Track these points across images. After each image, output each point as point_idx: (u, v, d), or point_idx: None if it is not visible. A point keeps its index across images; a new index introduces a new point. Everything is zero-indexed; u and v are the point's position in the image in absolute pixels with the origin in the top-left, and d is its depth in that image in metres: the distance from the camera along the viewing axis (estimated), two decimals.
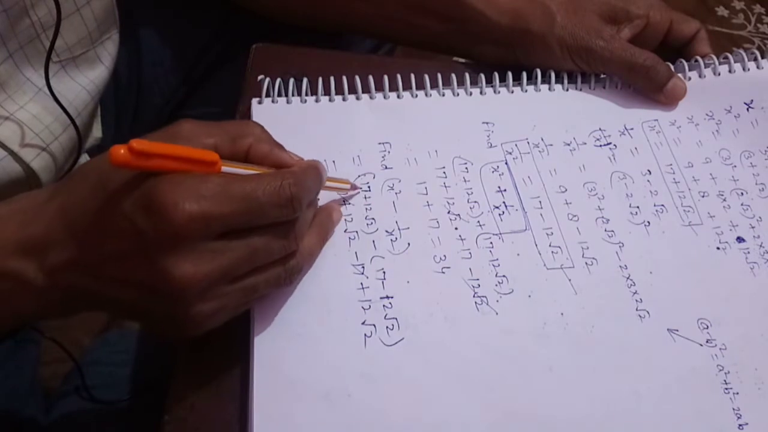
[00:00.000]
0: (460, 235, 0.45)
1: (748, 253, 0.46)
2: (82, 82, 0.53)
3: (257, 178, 0.35)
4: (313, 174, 0.39)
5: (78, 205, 0.34)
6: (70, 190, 0.36)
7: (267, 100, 0.50)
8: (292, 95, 0.51)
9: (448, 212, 0.46)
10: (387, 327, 0.42)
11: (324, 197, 0.45)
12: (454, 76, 0.52)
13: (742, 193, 0.49)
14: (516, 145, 0.50)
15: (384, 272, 0.44)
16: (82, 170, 0.36)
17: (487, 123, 0.51)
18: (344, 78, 0.51)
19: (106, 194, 0.33)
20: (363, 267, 0.44)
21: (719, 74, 0.53)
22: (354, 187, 0.46)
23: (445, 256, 0.44)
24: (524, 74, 0.53)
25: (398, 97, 0.51)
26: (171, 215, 0.32)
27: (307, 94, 0.51)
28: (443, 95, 0.52)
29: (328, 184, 0.43)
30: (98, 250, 0.34)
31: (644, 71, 0.51)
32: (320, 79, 0.51)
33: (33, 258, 0.35)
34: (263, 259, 0.36)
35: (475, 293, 0.43)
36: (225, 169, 0.35)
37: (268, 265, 0.37)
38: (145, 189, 0.33)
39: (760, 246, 0.46)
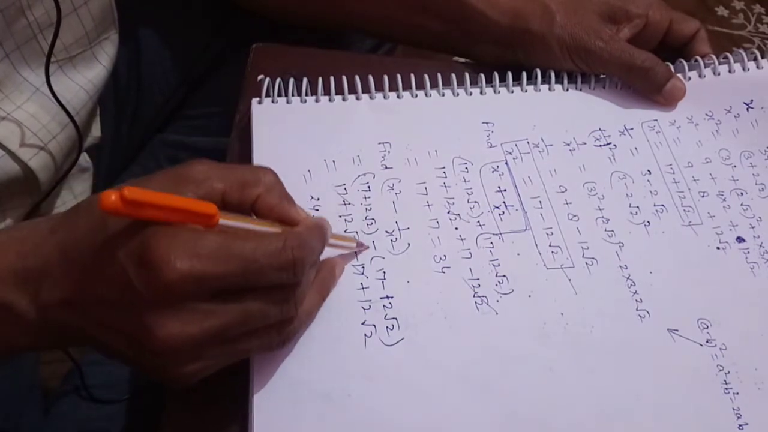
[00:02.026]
0: (460, 235, 0.45)
1: (748, 253, 0.46)
2: (80, 82, 0.53)
3: (258, 238, 0.34)
4: (318, 234, 0.38)
5: (77, 243, 0.33)
6: (72, 226, 0.34)
7: (267, 100, 0.50)
8: (292, 95, 0.51)
9: (448, 212, 0.46)
10: (387, 327, 0.42)
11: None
12: (454, 76, 0.52)
13: (742, 193, 0.49)
14: (516, 145, 0.50)
15: (384, 272, 0.44)
16: (87, 205, 0.35)
17: (487, 123, 0.51)
18: (344, 78, 0.51)
19: (104, 237, 0.32)
20: (363, 267, 0.44)
21: (719, 74, 0.53)
22: (360, 245, 0.44)
23: (445, 256, 0.44)
24: (524, 74, 0.53)
25: (398, 97, 0.51)
26: (162, 272, 0.31)
27: (307, 94, 0.51)
28: (443, 95, 0.52)
29: (332, 242, 0.41)
30: (90, 293, 0.33)
31: (643, 72, 0.51)
32: (320, 79, 0.51)
33: (27, 291, 0.34)
34: (257, 324, 0.35)
35: (475, 293, 0.43)
36: (223, 222, 0.33)
37: (262, 329, 0.35)
38: (141, 239, 0.31)
39: (760, 246, 0.46)
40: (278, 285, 0.34)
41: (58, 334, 0.35)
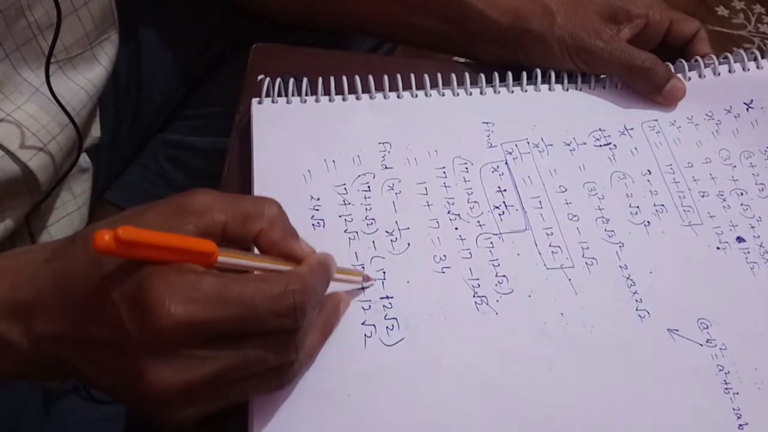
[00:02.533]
0: (460, 235, 0.45)
1: (748, 253, 0.46)
2: (80, 83, 0.53)
3: (258, 281, 0.32)
4: (322, 274, 0.36)
5: (72, 278, 0.32)
6: (68, 258, 0.33)
7: (267, 100, 0.50)
8: (292, 95, 0.51)
9: (448, 212, 0.46)
10: (387, 327, 0.42)
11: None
12: (454, 76, 0.52)
13: (741, 193, 0.49)
14: (516, 145, 0.50)
15: (384, 272, 0.44)
16: (83, 237, 0.33)
17: (487, 123, 0.51)
18: (344, 78, 0.51)
19: (99, 275, 0.31)
20: (363, 267, 0.44)
21: (719, 74, 0.53)
22: (367, 278, 0.42)
23: (445, 256, 0.44)
24: (524, 74, 0.53)
25: (398, 96, 0.51)
26: (156, 317, 0.30)
27: (307, 94, 0.51)
28: (443, 95, 0.52)
29: (338, 276, 0.39)
30: (84, 331, 0.32)
31: (643, 73, 0.51)
32: (320, 79, 0.51)
33: (19, 322, 0.33)
34: (255, 369, 0.34)
35: (475, 293, 0.43)
36: (222, 259, 0.32)
37: (260, 373, 0.34)
38: (136, 281, 0.30)
39: (760, 246, 0.46)
40: (278, 330, 0.33)
41: (51, 367, 0.34)
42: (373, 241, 0.45)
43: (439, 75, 0.52)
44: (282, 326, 0.33)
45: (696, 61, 0.54)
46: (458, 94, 0.52)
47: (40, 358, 0.34)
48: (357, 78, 0.51)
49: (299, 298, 0.32)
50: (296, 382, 0.39)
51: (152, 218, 0.33)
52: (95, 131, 0.60)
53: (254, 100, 0.50)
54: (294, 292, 0.32)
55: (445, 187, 0.48)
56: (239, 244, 0.35)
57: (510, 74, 0.53)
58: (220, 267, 0.33)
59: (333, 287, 0.39)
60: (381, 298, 0.43)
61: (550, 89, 0.53)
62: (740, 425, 0.40)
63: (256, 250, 0.36)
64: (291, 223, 0.37)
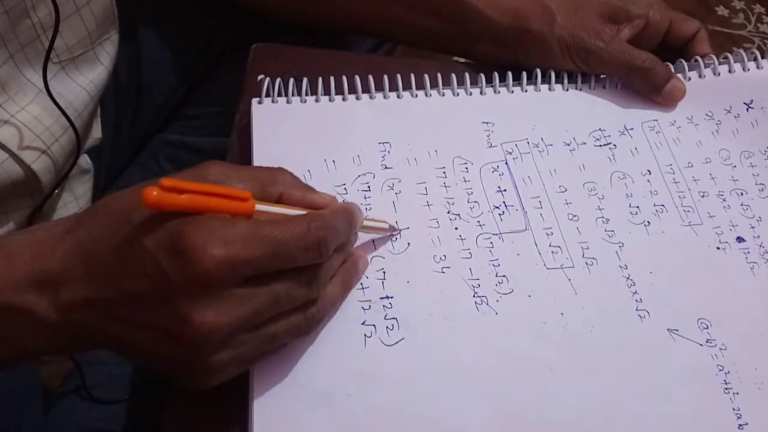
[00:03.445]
0: (460, 235, 0.45)
1: (748, 253, 0.46)
2: (82, 83, 0.53)
3: (285, 222, 0.34)
4: (344, 216, 0.38)
5: (98, 240, 0.33)
6: (91, 224, 0.34)
7: (267, 100, 0.50)
8: (292, 95, 0.51)
9: (448, 212, 0.46)
10: (387, 327, 0.42)
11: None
12: (454, 76, 0.52)
13: (741, 193, 0.49)
14: (516, 145, 0.50)
15: (384, 272, 0.44)
16: (103, 205, 0.35)
17: (487, 123, 0.51)
18: (344, 78, 0.51)
19: (129, 230, 0.32)
20: (393, 236, 0.44)
21: (719, 74, 0.53)
22: (392, 228, 0.45)
23: (445, 255, 0.44)
24: (524, 74, 0.53)
25: (398, 96, 0.51)
26: (198, 259, 0.31)
27: (307, 94, 0.51)
28: (443, 95, 0.52)
29: (366, 224, 0.42)
30: (117, 289, 0.33)
31: (642, 73, 0.51)
32: (320, 79, 0.51)
33: (46, 293, 0.33)
34: (285, 306, 0.35)
35: (475, 293, 0.43)
36: (259, 207, 0.35)
37: (288, 312, 0.36)
38: (171, 229, 0.31)
39: (760, 246, 0.46)
40: (303, 267, 0.35)
41: (78, 337, 0.35)
42: (373, 241, 0.45)
43: (439, 75, 0.52)
44: (308, 260, 0.35)
45: (696, 61, 0.54)
46: (458, 94, 0.52)
47: (68, 329, 0.34)
48: (357, 78, 0.51)
49: (322, 234, 0.35)
50: (297, 382, 0.39)
51: None
52: (96, 132, 0.60)
53: (254, 100, 0.50)
54: (317, 227, 0.35)
55: (445, 187, 0.48)
56: None
57: (510, 74, 0.53)
58: (256, 216, 0.35)
59: (362, 239, 0.43)
60: (381, 298, 0.43)
61: (550, 89, 0.53)
62: (740, 425, 0.40)
63: None
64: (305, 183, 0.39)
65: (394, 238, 0.45)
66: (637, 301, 0.44)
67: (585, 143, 0.50)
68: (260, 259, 0.33)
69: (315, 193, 0.39)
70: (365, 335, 0.41)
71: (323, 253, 0.35)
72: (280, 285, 0.34)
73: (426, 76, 0.52)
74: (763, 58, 0.54)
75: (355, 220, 0.40)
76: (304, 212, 0.37)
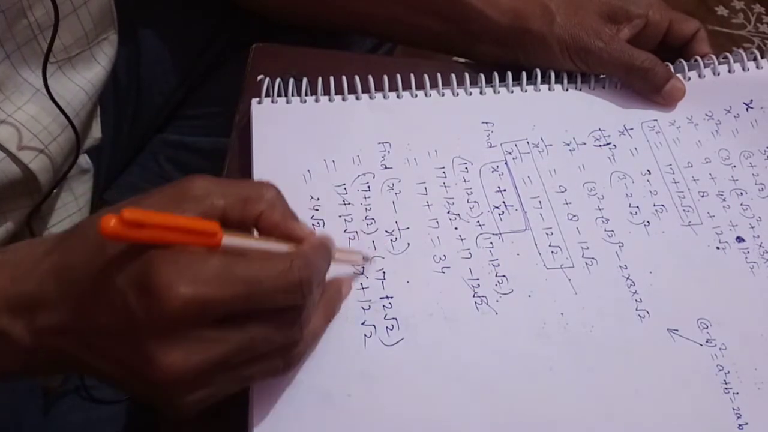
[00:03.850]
0: (460, 235, 0.45)
1: (748, 253, 0.46)
2: (80, 83, 0.53)
3: (263, 259, 0.32)
4: (324, 253, 0.36)
5: (74, 267, 0.32)
6: (68, 248, 0.33)
7: (267, 100, 0.50)
8: (292, 95, 0.51)
9: (448, 212, 0.46)
10: (387, 327, 0.42)
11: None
12: (454, 76, 0.52)
13: (741, 193, 0.49)
14: (516, 145, 0.50)
15: (384, 272, 0.44)
16: (83, 227, 0.34)
17: (486, 123, 0.51)
18: (344, 78, 0.51)
19: (102, 261, 0.31)
20: (363, 267, 0.44)
21: (719, 74, 0.53)
22: (366, 258, 0.43)
23: (444, 256, 0.44)
24: (524, 74, 0.53)
25: (398, 97, 0.51)
26: (165, 298, 0.29)
27: (306, 94, 0.51)
28: (443, 95, 0.52)
29: (338, 257, 0.39)
30: (88, 320, 0.32)
31: (642, 73, 0.51)
32: (320, 79, 0.51)
33: (21, 317, 0.33)
34: (261, 350, 0.34)
35: (475, 293, 0.43)
36: (226, 240, 0.32)
37: (266, 354, 0.34)
38: (142, 264, 0.30)
39: (760, 246, 0.46)
40: (284, 308, 0.33)
41: (53, 361, 0.34)
42: (373, 241, 0.45)
43: (439, 75, 0.52)
44: (288, 302, 0.33)
45: (696, 61, 0.54)
46: (458, 94, 0.52)
47: (43, 353, 0.33)
48: (357, 78, 0.51)
49: (304, 274, 0.33)
50: (297, 382, 0.39)
51: (152, 204, 0.33)
52: (96, 132, 0.60)
53: (254, 100, 0.50)
54: (299, 267, 0.32)
55: (445, 187, 0.48)
56: (239, 228, 0.35)
57: (510, 74, 0.53)
58: (223, 249, 0.33)
59: (333, 270, 0.39)
60: (381, 298, 0.43)
61: (550, 89, 0.53)
62: (740, 425, 0.40)
63: (255, 233, 0.36)
64: (290, 206, 0.37)
65: (364, 268, 0.43)
66: (637, 301, 0.44)
67: (585, 143, 0.50)
68: (232, 299, 0.31)
69: (295, 222, 0.36)
70: (365, 335, 0.41)
71: (306, 293, 0.33)
72: (256, 328, 0.32)
73: (426, 76, 0.52)
74: (762, 58, 0.54)
75: (332, 252, 0.38)
76: (275, 246, 0.35)
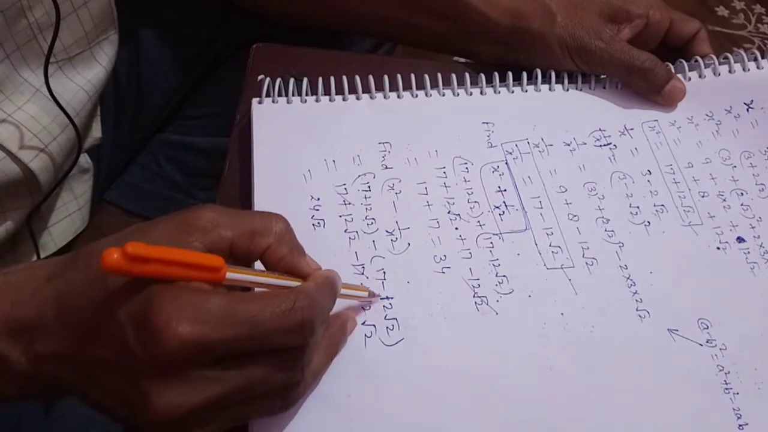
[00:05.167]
0: (460, 235, 0.45)
1: (748, 253, 0.46)
2: (80, 83, 0.53)
3: (265, 299, 0.31)
4: (329, 291, 0.35)
5: (74, 296, 0.32)
6: (70, 276, 0.32)
7: (267, 100, 0.50)
8: (292, 95, 0.51)
9: (449, 212, 0.46)
10: (387, 327, 0.42)
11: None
12: (454, 76, 0.52)
13: (742, 194, 0.49)
14: (516, 145, 0.50)
15: (384, 272, 0.44)
16: (86, 254, 0.33)
17: (487, 123, 0.51)
18: (344, 78, 0.51)
19: (104, 293, 0.31)
20: (363, 267, 0.44)
21: (719, 74, 0.53)
22: (372, 294, 0.42)
23: (445, 256, 0.44)
24: (524, 74, 0.53)
25: (398, 96, 0.51)
26: (163, 337, 0.29)
27: (307, 94, 0.51)
28: (443, 95, 0.52)
29: (344, 292, 0.38)
30: (86, 351, 0.31)
31: (642, 73, 0.51)
32: (320, 79, 0.51)
33: (19, 341, 0.32)
34: (260, 391, 0.33)
35: (475, 293, 0.43)
36: (230, 275, 0.32)
37: (265, 394, 0.33)
38: (143, 300, 0.30)
39: (760, 246, 0.46)
40: (285, 348, 0.33)
41: (50, 387, 0.34)
42: (373, 241, 0.45)
43: (439, 75, 0.52)
44: (290, 343, 0.32)
45: (696, 61, 0.54)
46: (458, 94, 0.52)
47: (39, 379, 0.33)
48: (357, 78, 0.51)
49: (308, 314, 0.32)
50: None
51: (158, 235, 0.32)
52: (96, 131, 0.60)
53: (254, 100, 0.50)
54: (302, 308, 0.32)
55: (445, 187, 0.48)
56: (246, 261, 0.35)
57: (510, 74, 0.53)
58: (227, 284, 0.33)
59: (338, 304, 0.38)
60: (381, 298, 0.43)
61: (550, 89, 0.53)
62: (740, 425, 0.40)
63: (257, 265, 0.36)
64: (297, 239, 0.36)
65: (368, 307, 0.42)
66: (637, 301, 0.44)
67: (585, 143, 0.50)
68: (233, 339, 0.30)
69: (301, 257, 0.36)
70: (365, 335, 0.41)
71: (308, 335, 0.32)
72: (256, 369, 0.32)
73: (426, 76, 0.52)
74: (763, 58, 0.54)
75: (338, 288, 0.37)
76: (280, 281, 0.35)
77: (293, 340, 0.32)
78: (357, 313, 0.42)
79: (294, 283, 0.35)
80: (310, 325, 0.32)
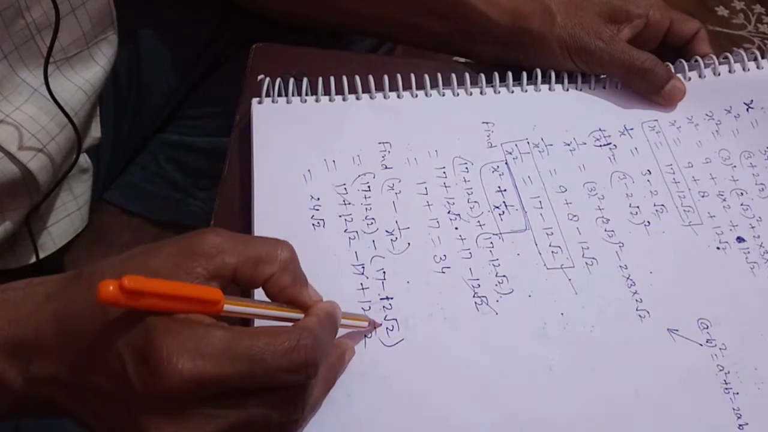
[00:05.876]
0: (460, 235, 0.45)
1: (748, 253, 0.46)
2: (78, 83, 0.53)
3: (268, 336, 0.31)
4: (330, 325, 0.35)
5: (74, 319, 0.31)
6: (72, 296, 0.32)
7: (267, 100, 0.50)
8: (292, 95, 0.51)
9: (448, 212, 0.46)
10: (387, 328, 0.42)
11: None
12: (454, 76, 0.52)
13: (742, 193, 0.49)
14: (516, 145, 0.50)
15: (384, 272, 0.44)
16: (87, 277, 0.32)
17: (487, 123, 0.51)
18: (344, 78, 0.51)
19: (103, 320, 0.30)
20: (363, 267, 0.44)
21: (719, 74, 0.53)
22: (372, 323, 0.41)
23: (445, 256, 0.44)
24: (524, 74, 0.53)
25: (398, 96, 0.51)
26: (163, 373, 0.28)
27: (307, 94, 0.51)
28: (443, 95, 0.52)
29: (344, 322, 0.38)
30: (83, 378, 0.31)
31: (642, 73, 0.51)
32: (320, 79, 0.51)
33: (16, 362, 0.32)
34: (258, 429, 0.32)
35: (475, 293, 0.43)
36: (228, 308, 0.32)
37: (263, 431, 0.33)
38: (143, 332, 0.29)
39: (760, 246, 0.46)
40: (286, 386, 0.32)
41: (43, 407, 0.33)
42: (373, 241, 0.45)
43: (439, 75, 0.52)
44: (291, 382, 0.32)
45: (696, 61, 0.54)
46: (458, 94, 0.52)
47: (34, 399, 0.33)
48: (357, 78, 0.51)
49: (311, 354, 0.31)
50: None
51: (161, 261, 0.32)
52: (95, 131, 0.60)
53: (254, 100, 0.50)
54: (306, 347, 0.31)
55: (445, 187, 0.48)
56: (248, 287, 0.34)
57: (510, 74, 0.53)
58: (225, 315, 0.32)
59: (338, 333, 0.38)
60: (381, 298, 0.43)
61: (550, 89, 0.53)
62: (740, 425, 0.40)
63: (257, 293, 0.35)
64: (301, 268, 0.35)
65: (369, 336, 0.41)
66: (637, 301, 0.44)
67: (585, 143, 0.50)
68: (233, 377, 0.30)
69: (303, 287, 0.35)
70: (365, 336, 0.41)
71: (311, 374, 0.32)
72: (255, 407, 0.31)
73: (426, 76, 0.52)
74: (763, 58, 0.54)
75: (338, 322, 0.36)
76: (278, 314, 0.34)
77: (295, 379, 0.32)
78: (355, 341, 0.41)
79: (294, 314, 0.35)
80: (313, 365, 0.32)
